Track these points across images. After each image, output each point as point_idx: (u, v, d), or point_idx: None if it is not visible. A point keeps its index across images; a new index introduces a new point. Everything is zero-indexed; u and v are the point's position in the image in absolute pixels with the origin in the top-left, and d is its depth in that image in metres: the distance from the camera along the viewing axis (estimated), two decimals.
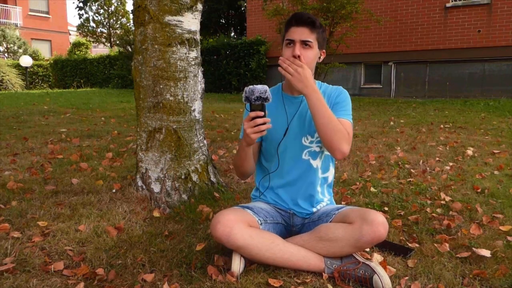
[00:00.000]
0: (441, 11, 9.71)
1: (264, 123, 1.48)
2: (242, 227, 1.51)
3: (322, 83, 1.78)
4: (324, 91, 1.71)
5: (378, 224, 1.46)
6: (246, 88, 1.48)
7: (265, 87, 1.47)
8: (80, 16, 24.04)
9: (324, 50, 1.71)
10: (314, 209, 1.74)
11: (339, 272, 1.52)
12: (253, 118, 1.48)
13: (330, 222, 1.61)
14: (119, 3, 24.88)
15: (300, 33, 1.61)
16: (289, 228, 1.76)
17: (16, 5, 24.14)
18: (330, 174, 1.80)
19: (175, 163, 2.35)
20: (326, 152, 1.72)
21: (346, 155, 1.57)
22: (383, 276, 1.46)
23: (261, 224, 1.62)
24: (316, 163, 1.72)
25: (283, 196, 1.76)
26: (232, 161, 2.68)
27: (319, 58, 1.70)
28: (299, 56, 1.60)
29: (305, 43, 1.61)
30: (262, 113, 1.48)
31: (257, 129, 1.49)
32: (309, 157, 1.71)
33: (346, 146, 1.55)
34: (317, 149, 1.71)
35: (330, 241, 1.54)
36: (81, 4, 22.16)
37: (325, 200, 1.78)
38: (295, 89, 1.61)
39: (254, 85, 1.48)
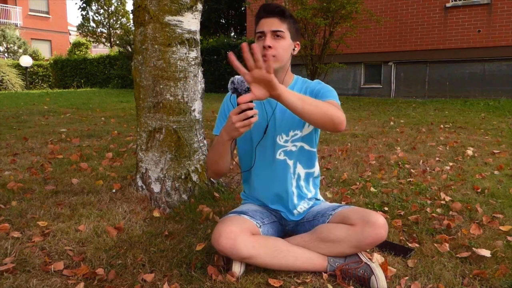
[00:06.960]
0: (441, 11, 9.72)
1: (252, 116, 1.40)
2: (245, 237, 1.49)
3: (299, 76, 1.70)
4: (308, 86, 1.66)
5: (380, 226, 1.48)
6: (234, 79, 1.38)
7: None
8: (83, 16, 24.10)
9: (298, 42, 1.64)
10: (299, 207, 1.70)
11: (341, 270, 1.52)
12: (244, 110, 1.38)
13: (327, 222, 1.61)
14: (119, 3, 24.94)
15: (270, 23, 1.56)
16: (283, 226, 1.76)
17: (16, 5, 24.16)
18: (316, 169, 1.75)
19: (175, 163, 2.35)
20: (308, 148, 1.68)
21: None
22: (379, 278, 1.46)
23: (260, 227, 1.61)
24: (293, 162, 1.67)
25: (264, 196, 1.73)
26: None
27: (294, 50, 1.62)
28: (270, 47, 1.54)
29: (276, 34, 1.55)
30: (253, 105, 1.38)
31: (248, 122, 1.39)
32: (285, 157, 1.67)
33: (342, 116, 1.46)
34: (293, 149, 1.66)
35: (332, 242, 1.54)
36: (84, 5, 22.20)
37: (309, 195, 1.73)
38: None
39: (238, 76, 1.38)
